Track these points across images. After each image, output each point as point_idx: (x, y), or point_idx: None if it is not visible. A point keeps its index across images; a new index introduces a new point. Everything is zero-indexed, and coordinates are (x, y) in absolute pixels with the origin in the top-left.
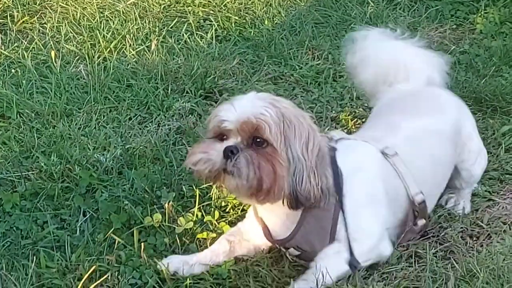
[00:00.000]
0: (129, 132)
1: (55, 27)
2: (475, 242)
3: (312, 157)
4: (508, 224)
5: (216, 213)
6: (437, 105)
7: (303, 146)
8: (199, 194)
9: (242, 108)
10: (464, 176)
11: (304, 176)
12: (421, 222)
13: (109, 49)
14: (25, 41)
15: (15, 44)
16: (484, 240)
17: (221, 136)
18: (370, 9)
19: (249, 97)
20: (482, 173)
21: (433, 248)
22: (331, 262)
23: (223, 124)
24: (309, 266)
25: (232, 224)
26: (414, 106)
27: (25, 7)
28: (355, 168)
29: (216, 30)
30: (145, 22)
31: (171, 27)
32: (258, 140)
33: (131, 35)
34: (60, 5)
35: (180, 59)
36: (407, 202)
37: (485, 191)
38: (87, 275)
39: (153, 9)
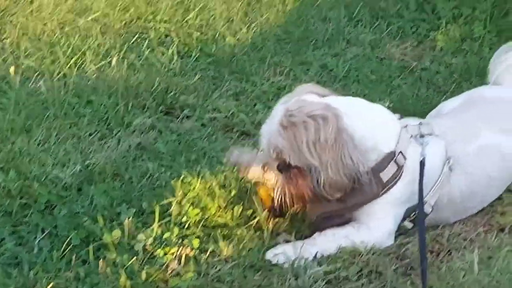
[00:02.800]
0: (89, 148)
1: (14, 42)
2: (435, 258)
3: (325, 152)
4: (468, 240)
5: (176, 230)
6: None
7: (312, 148)
8: (158, 211)
9: (265, 139)
10: None
11: (322, 175)
12: (407, 223)
13: (69, 65)
14: None
15: None
16: (444, 256)
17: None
18: (332, 26)
19: (271, 122)
20: None
21: (394, 264)
22: (331, 242)
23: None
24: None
25: (199, 237)
26: (503, 116)
27: None
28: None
29: (177, 46)
30: (106, 38)
31: (132, 43)
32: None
33: (92, 51)
34: (20, 20)
35: (141, 75)
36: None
37: None
38: None
39: (114, 25)
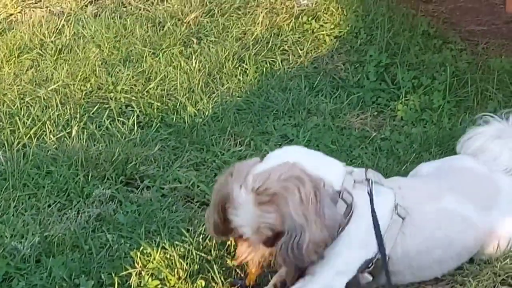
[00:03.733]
0: (48, 220)
1: None
2: None
3: (307, 209)
4: None
5: None
6: (493, 199)
7: (298, 209)
8: (118, 282)
9: (249, 225)
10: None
11: (307, 233)
12: (367, 276)
13: (29, 135)
14: None
15: None
16: None
17: None
18: (292, 96)
19: (245, 209)
20: None
21: None
22: None
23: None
24: None
25: None
26: (473, 188)
27: None
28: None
29: (138, 116)
30: (66, 108)
31: (92, 113)
32: None
33: (52, 121)
34: None
35: (101, 146)
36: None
37: None
38: None
39: (75, 95)
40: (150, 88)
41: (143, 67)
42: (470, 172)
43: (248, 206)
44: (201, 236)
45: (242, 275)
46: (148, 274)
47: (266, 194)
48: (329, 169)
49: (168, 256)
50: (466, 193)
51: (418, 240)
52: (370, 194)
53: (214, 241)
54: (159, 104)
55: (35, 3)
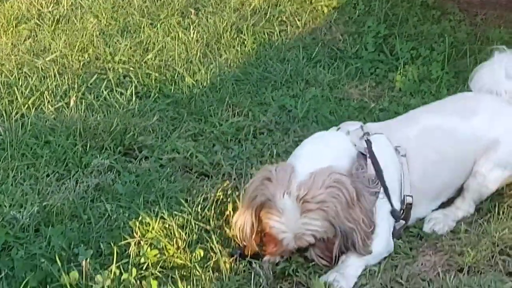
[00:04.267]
0: (47, 189)
1: None
2: None
3: (355, 210)
4: (427, 281)
5: (134, 271)
6: (470, 108)
7: (346, 212)
8: (117, 252)
9: (291, 233)
10: (473, 183)
11: (358, 233)
12: (401, 222)
13: (27, 105)
14: None
15: None
16: None
17: None
18: (290, 66)
19: (287, 217)
20: (494, 189)
21: None
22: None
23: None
24: (341, 260)
25: (157, 278)
26: (445, 106)
27: None
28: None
29: (136, 86)
30: (64, 78)
31: (90, 84)
32: None
33: (50, 91)
34: None
35: (100, 116)
36: (400, 200)
37: (405, 247)
38: None
39: (73, 65)
40: (148, 59)
41: (141, 37)
42: (455, 96)
43: (294, 213)
44: (199, 206)
45: (240, 245)
46: (147, 244)
47: (313, 202)
48: (341, 147)
49: (167, 226)
50: (444, 109)
51: (416, 170)
52: (371, 151)
53: (213, 211)
54: (157, 74)
55: None
